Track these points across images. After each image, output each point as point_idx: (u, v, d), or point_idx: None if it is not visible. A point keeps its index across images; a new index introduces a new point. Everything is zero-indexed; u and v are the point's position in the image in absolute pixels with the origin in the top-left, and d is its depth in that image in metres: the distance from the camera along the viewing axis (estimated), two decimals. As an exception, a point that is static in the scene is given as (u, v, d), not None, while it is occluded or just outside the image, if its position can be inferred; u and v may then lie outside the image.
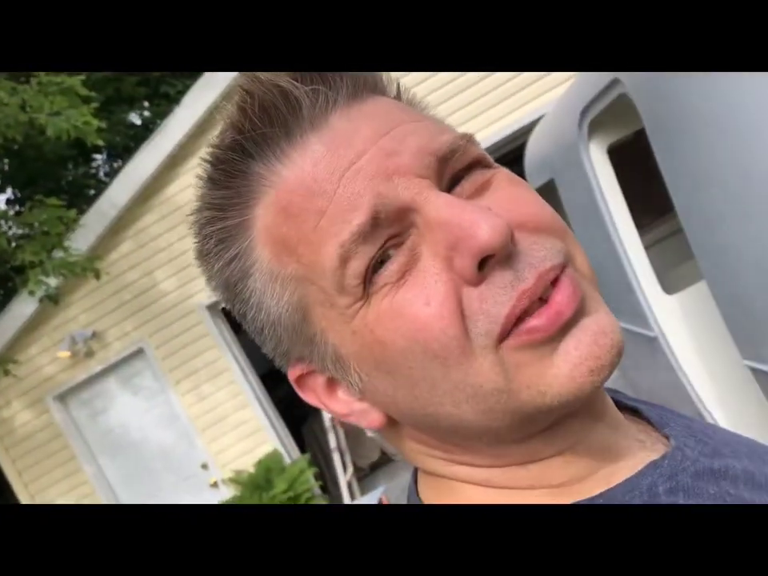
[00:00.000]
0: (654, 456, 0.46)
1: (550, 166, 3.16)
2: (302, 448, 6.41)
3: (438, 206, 0.40)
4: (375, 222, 0.40)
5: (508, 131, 5.43)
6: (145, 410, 6.06)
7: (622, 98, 2.09)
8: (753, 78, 1.49)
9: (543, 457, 0.45)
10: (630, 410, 0.53)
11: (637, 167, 2.32)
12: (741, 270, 1.73)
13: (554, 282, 0.41)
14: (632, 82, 1.97)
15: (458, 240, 0.39)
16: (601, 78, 2.22)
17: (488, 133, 5.44)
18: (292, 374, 0.47)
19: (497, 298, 0.39)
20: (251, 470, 5.80)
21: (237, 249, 0.45)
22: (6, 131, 4.09)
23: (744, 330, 1.86)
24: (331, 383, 0.47)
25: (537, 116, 4.44)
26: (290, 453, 6.07)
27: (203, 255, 0.47)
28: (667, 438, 0.49)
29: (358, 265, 0.40)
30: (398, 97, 0.48)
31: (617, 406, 0.50)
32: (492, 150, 5.57)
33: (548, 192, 3.30)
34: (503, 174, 0.45)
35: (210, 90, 5.53)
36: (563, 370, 0.40)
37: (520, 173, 3.81)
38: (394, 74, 0.48)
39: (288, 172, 0.42)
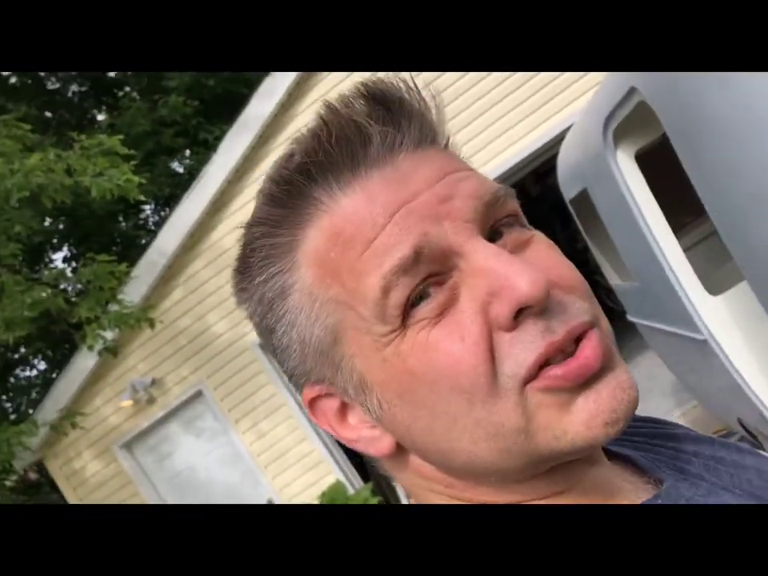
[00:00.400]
0: (646, 496, 0.48)
1: (582, 175, 3.15)
2: (365, 477, 6.41)
3: (485, 255, 0.43)
4: (417, 257, 0.43)
5: (534, 147, 5.41)
6: (208, 451, 6.18)
7: (641, 105, 2.09)
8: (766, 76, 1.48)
9: (544, 496, 0.47)
10: (620, 457, 0.55)
11: (670, 170, 2.29)
12: (779, 268, 1.70)
13: (582, 335, 0.44)
14: (648, 89, 1.96)
15: (501, 288, 0.42)
16: (619, 88, 2.22)
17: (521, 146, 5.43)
18: (308, 394, 0.49)
19: (526, 345, 0.42)
20: (316, 502, 5.83)
21: (281, 265, 0.47)
22: (54, 195, 4.28)
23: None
24: (343, 408, 0.49)
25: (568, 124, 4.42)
26: (353, 482, 6.08)
27: (246, 267, 0.49)
28: (659, 481, 0.51)
29: (398, 296, 0.43)
30: (447, 148, 0.51)
31: (606, 453, 0.52)
32: (527, 162, 5.56)
33: (582, 201, 3.28)
34: (541, 236, 0.48)
35: (245, 133, 5.68)
36: (579, 418, 0.43)
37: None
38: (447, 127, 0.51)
39: (347, 201, 0.44)
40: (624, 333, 3.87)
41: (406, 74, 0.47)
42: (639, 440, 0.59)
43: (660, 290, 2.75)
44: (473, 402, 0.42)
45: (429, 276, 0.43)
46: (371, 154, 0.45)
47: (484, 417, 0.43)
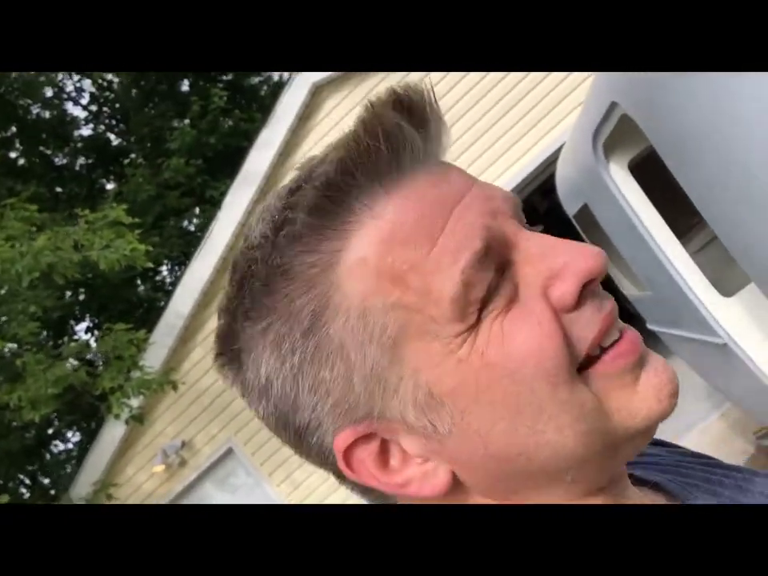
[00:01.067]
0: None
1: (580, 191, 3.13)
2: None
3: (540, 240, 0.44)
4: (487, 251, 0.42)
5: (539, 161, 5.41)
6: (245, 507, 6.14)
7: (624, 118, 2.07)
8: (747, 79, 1.46)
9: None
10: (648, 483, 0.54)
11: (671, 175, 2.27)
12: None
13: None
14: (628, 102, 1.95)
15: (564, 266, 0.43)
16: (601, 103, 2.21)
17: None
18: (344, 441, 0.44)
19: (587, 323, 0.43)
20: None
21: (323, 285, 0.42)
22: (64, 272, 4.35)
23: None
24: (383, 450, 0.44)
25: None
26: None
27: (266, 296, 0.43)
28: None
29: (478, 290, 0.42)
30: None
31: (634, 480, 0.52)
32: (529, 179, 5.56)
33: (585, 217, 3.25)
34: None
35: (246, 187, 5.75)
36: (649, 393, 0.44)
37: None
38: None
39: (397, 202, 0.43)
40: (649, 338, 3.80)
41: (425, 83, 0.47)
42: (666, 463, 0.58)
43: (673, 298, 2.70)
44: (556, 385, 0.42)
45: (496, 270, 0.43)
46: (414, 156, 0.44)
47: (567, 399, 0.42)
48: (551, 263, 0.43)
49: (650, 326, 3.55)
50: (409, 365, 0.43)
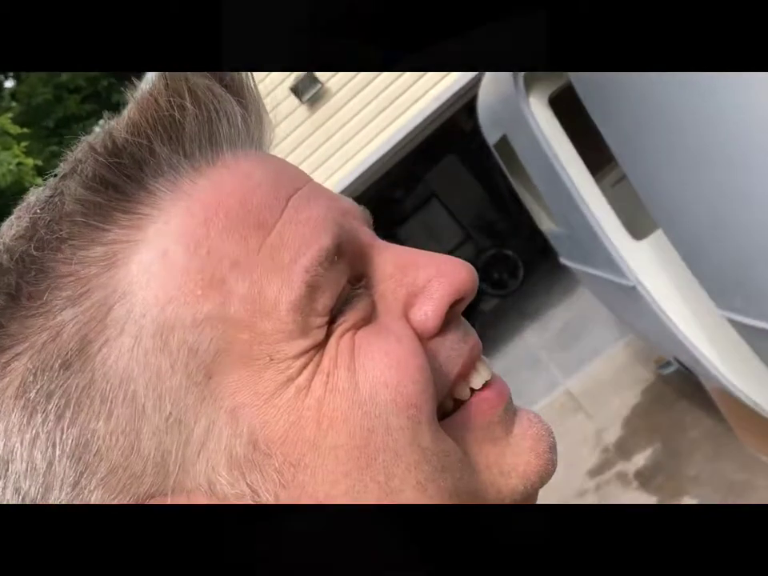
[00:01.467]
0: None
1: (500, 122, 3.03)
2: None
3: (396, 253, 0.36)
4: (339, 251, 0.33)
5: (465, 80, 5.26)
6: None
7: (545, 51, 1.95)
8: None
9: None
10: None
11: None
12: (692, 221, 1.61)
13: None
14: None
15: (428, 282, 0.35)
16: (521, 32, 2.07)
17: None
18: None
19: (450, 353, 0.35)
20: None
21: (102, 290, 0.30)
22: (-56, 186, 3.97)
23: (709, 280, 1.75)
24: None
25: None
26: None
27: (24, 305, 0.30)
28: None
29: (327, 297, 0.32)
30: None
31: None
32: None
33: (504, 147, 3.16)
34: None
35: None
36: (526, 445, 0.36)
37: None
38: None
39: (211, 179, 0.32)
40: (561, 271, 3.82)
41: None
42: None
43: (585, 237, 2.67)
44: (418, 422, 0.32)
45: (348, 281, 0.34)
46: (232, 129, 0.35)
47: (429, 445, 0.32)
48: (413, 279, 0.35)
49: (562, 261, 3.56)
50: (226, 404, 0.30)
